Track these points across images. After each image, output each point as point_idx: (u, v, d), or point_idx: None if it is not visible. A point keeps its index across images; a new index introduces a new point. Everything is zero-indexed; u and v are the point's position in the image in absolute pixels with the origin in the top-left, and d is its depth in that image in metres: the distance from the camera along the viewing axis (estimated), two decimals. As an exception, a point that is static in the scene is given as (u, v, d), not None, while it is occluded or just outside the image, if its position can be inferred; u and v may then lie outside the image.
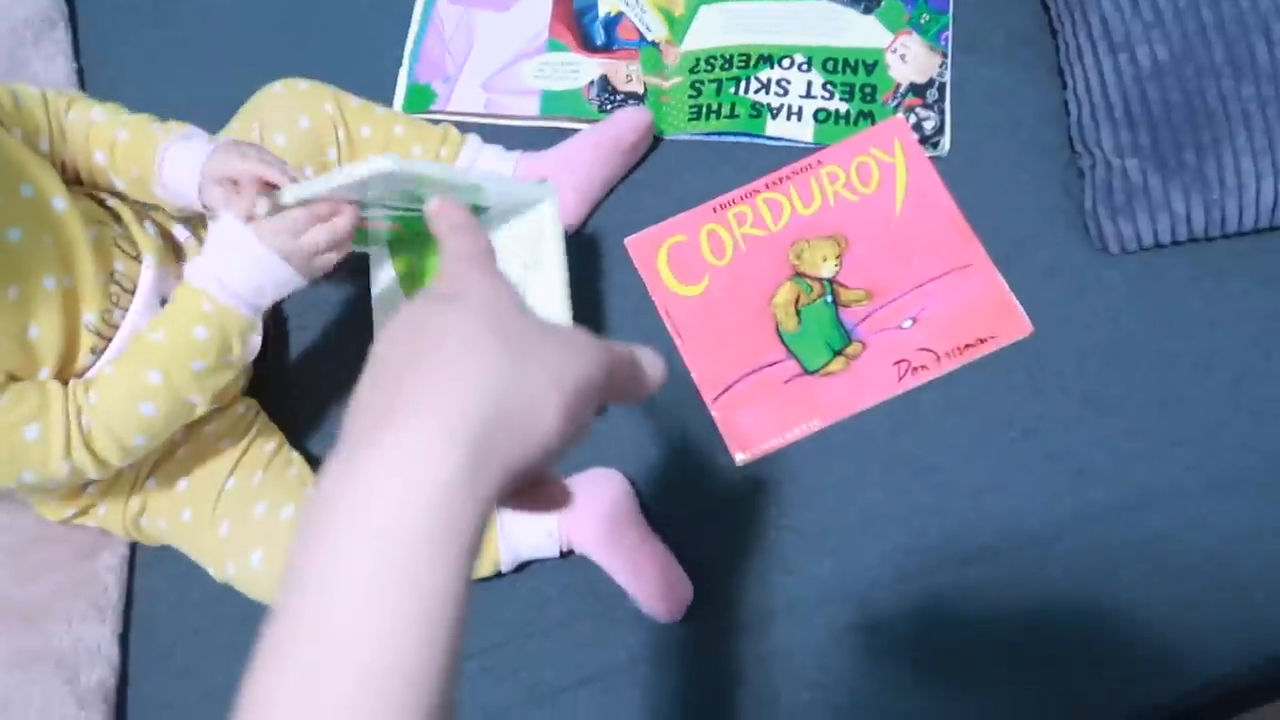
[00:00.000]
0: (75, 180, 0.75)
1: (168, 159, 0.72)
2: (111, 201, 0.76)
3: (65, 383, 0.66)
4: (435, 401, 0.30)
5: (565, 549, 0.77)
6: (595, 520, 0.76)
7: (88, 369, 0.69)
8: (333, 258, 0.69)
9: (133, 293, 0.71)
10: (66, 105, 0.74)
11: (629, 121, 0.88)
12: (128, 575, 0.86)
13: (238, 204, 0.68)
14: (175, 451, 0.77)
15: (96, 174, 0.75)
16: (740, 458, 0.81)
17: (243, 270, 0.67)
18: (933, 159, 0.89)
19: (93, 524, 0.80)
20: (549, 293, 0.76)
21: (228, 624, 0.81)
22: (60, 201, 0.67)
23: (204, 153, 0.71)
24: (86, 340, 0.68)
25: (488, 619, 0.79)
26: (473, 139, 0.87)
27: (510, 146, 0.89)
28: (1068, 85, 0.89)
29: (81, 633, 0.81)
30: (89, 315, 0.68)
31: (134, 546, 0.86)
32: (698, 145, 0.92)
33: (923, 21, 0.94)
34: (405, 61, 0.96)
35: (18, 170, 0.66)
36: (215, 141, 0.73)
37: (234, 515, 0.75)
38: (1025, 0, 0.94)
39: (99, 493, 0.76)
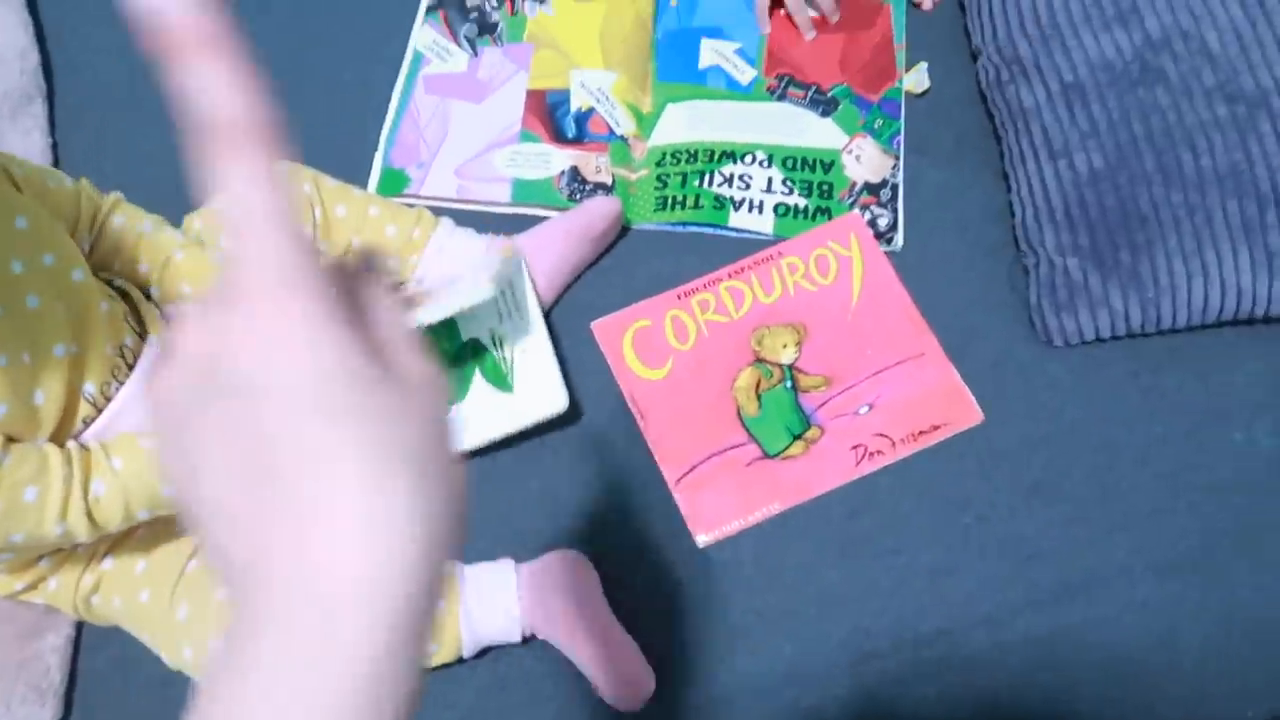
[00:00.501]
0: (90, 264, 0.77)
1: None
2: (119, 282, 0.77)
3: (60, 446, 0.66)
4: (331, 588, 0.22)
5: (527, 634, 0.77)
6: (558, 604, 0.76)
7: (76, 436, 0.68)
8: None
9: (132, 368, 0.72)
10: (111, 207, 0.77)
11: (599, 210, 0.91)
12: (72, 656, 0.83)
13: None
14: (136, 530, 0.76)
15: (133, 277, 0.77)
16: (702, 539, 0.82)
17: None
18: (887, 253, 0.93)
19: (40, 600, 0.78)
20: (530, 336, 0.86)
21: (174, 710, 0.78)
22: (79, 273, 0.69)
23: None
24: (82, 409, 0.68)
25: (447, 704, 0.78)
26: (445, 221, 0.90)
27: (481, 231, 0.91)
28: (1012, 188, 0.94)
29: (21, 716, 0.78)
30: (89, 385, 0.68)
31: (80, 627, 0.84)
32: (663, 235, 0.96)
33: (876, 126, 0.99)
34: (381, 146, 0.99)
35: (42, 240, 0.68)
36: None
37: (194, 599, 0.74)
38: (971, 108, 1.00)
39: (52, 566, 0.75)
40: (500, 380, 0.86)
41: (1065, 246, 0.88)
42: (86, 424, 0.69)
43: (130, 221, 0.78)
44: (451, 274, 0.87)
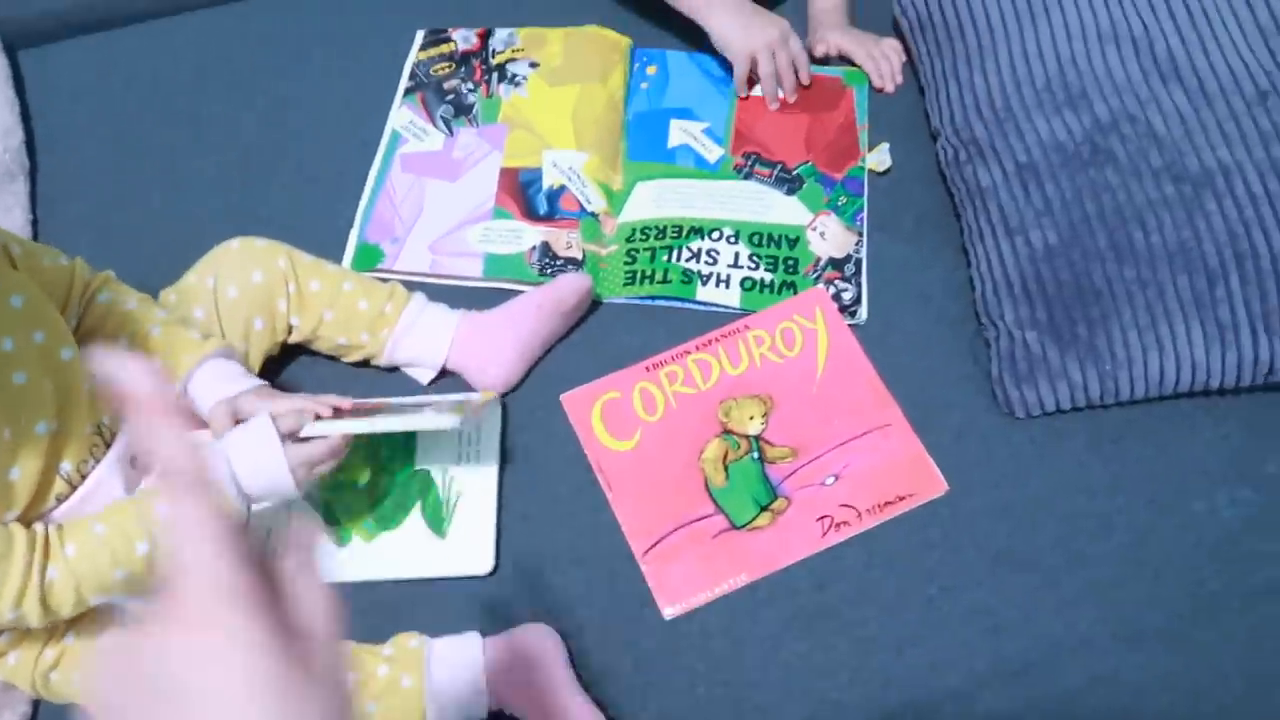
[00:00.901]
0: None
1: (195, 381, 0.78)
2: None
3: (28, 525, 0.66)
4: None
5: (494, 708, 0.76)
6: (525, 678, 0.75)
7: (49, 513, 0.69)
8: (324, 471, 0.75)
9: (107, 447, 0.72)
10: (100, 284, 0.79)
11: (570, 286, 0.93)
12: (28, 735, 0.82)
13: (285, 421, 0.73)
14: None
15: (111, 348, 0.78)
16: (669, 611, 0.82)
17: (262, 483, 0.72)
18: (851, 326, 0.95)
19: (-2, 677, 0.77)
20: (480, 488, 0.87)
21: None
22: (68, 351, 0.70)
23: (234, 384, 0.78)
24: (57, 486, 0.68)
25: (409, 780, 0.77)
26: (418, 297, 0.91)
27: (454, 305, 0.93)
28: (971, 263, 0.97)
29: (-28, 797, 0.76)
30: (66, 463, 0.69)
31: (36, 705, 0.82)
32: (632, 308, 0.97)
33: (840, 203, 1.02)
34: (357, 222, 1.01)
35: (34, 317, 0.69)
36: (248, 375, 0.80)
37: None
38: (931, 186, 1.04)
39: (11, 642, 0.74)
40: (437, 524, 0.85)
41: (1024, 320, 0.90)
42: (60, 501, 0.69)
43: (116, 298, 0.79)
44: (425, 397, 0.88)
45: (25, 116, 1.14)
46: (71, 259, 0.79)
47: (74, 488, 0.70)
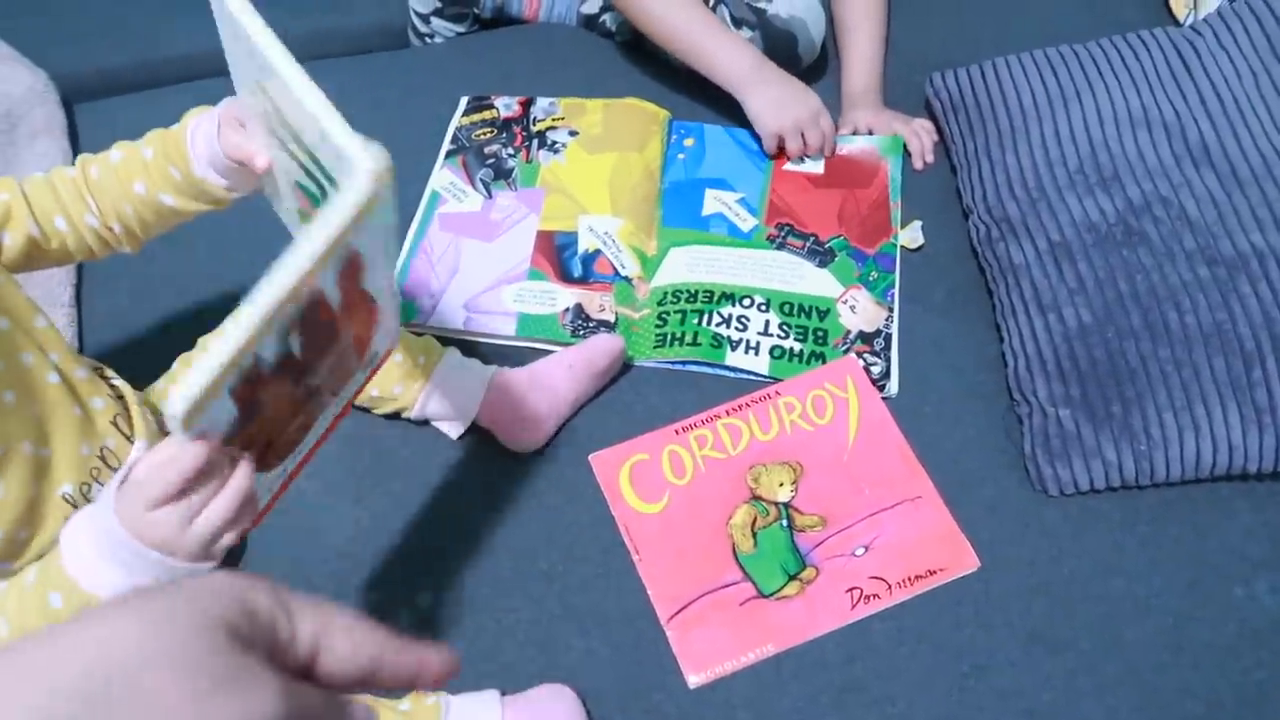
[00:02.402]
0: (103, 247, 0.75)
1: (196, 139, 0.72)
2: (118, 381, 0.78)
3: (29, 549, 0.65)
4: None
5: (511, 770, 0.74)
6: (544, 739, 0.73)
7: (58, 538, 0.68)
8: (232, 539, 0.53)
9: (115, 470, 0.72)
10: (82, 169, 0.75)
11: (602, 347, 0.93)
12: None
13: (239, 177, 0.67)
14: None
15: (143, 210, 0.74)
16: (693, 680, 0.80)
17: (118, 573, 0.53)
18: (883, 398, 0.95)
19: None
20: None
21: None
22: (54, 375, 0.70)
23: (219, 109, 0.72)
24: (63, 509, 0.68)
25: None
26: (452, 351, 0.92)
27: (487, 362, 0.93)
28: (1004, 339, 0.97)
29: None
30: (66, 487, 0.68)
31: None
32: (663, 371, 0.98)
33: (871, 278, 1.03)
34: (395, 275, 1.02)
35: (19, 339, 0.69)
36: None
37: None
38: (964, 262, 1.04)
39: None
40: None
41: (1057, 397, 0.90)
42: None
43: (104, 166, 0.75)
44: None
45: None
46: (48, 177, 0.74)
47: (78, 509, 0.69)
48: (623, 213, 1.06)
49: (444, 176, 1.10)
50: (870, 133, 1.15)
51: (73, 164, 1.13)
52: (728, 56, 1.07)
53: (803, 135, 1.08)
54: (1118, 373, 0.88)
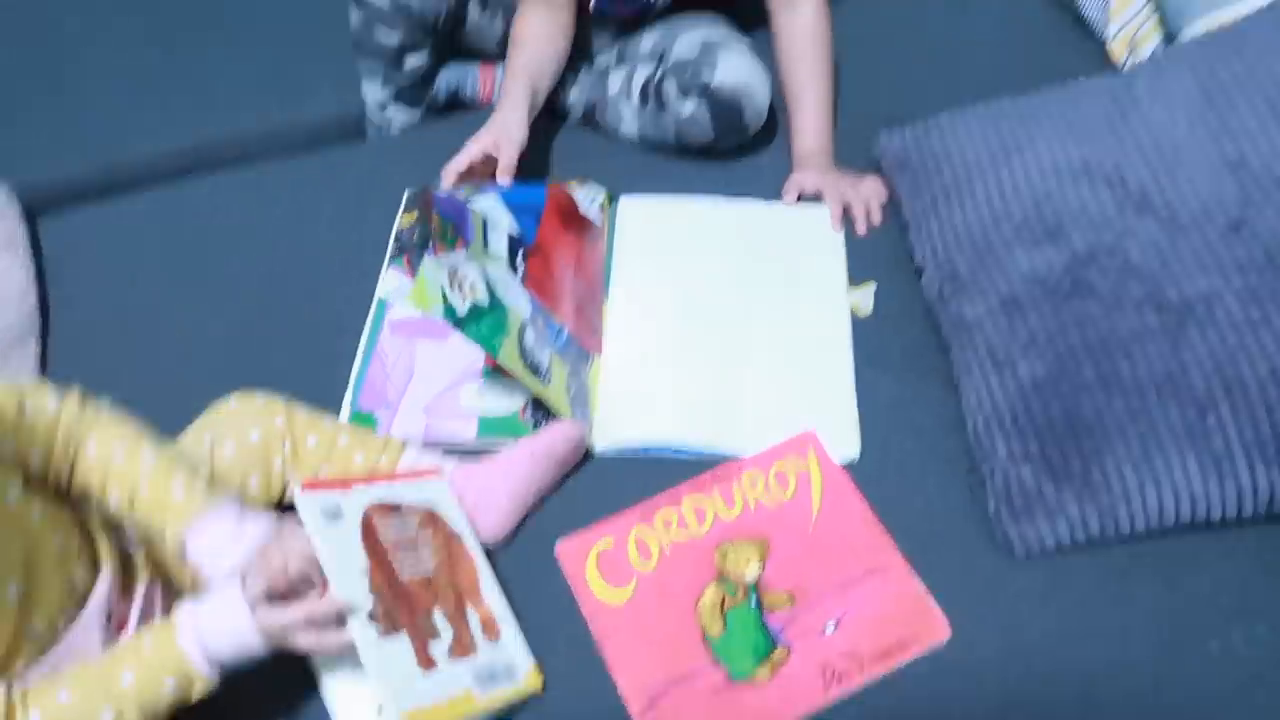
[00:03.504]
0: (53, 483, 0.77)
1: (192, 542, 0.77)
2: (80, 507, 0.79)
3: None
4: None
5: None
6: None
7: (22, 673, 0.68)
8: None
9: (80, 604, 0.72)
10: (86, 432, 0.77)
11: (562, 434, 0.93)
12: None
13: (254, 583, 0.71)
14: None
15: (102, 505, 0.78)
16: (667, 774, 0.79)
17: (231, 650, 0.70)
18: (845, 465, 0.95)
19: None
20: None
21: None
22: (37, 513, 0.71)
23: (234, 545, 0.76)
24: (28, 648, 0.68)
25: None
26: (412, 448, 0.92)
27: (448, 454, 0.93)
28: (962, 398, 0.97)
29: None
30: (37, 623, 0.68)
31: None
32: (625, 457, 0.97)
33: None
34: (349, 390, 1.01)
35: (3, 478, 0.70)
36: (243, 519, 0.78)
37: None
38: (918, 321, 1.05)
39: None
40: None
41: (1018, 455, 0.89)
42: (30, 662, 0.69)
43: (101, 450, 0.78)
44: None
45: (41, 279, 1.18)
46: (58, 410, 0.77)
47: (44, 649, 0.69)
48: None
49: (390, 280, 1.08)
50: (817, 194, 1.15)
51: (33, 275, 1.15)
52: None
53: None
54: (1075, 427, 0.88)
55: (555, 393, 0.95)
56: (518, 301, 0.98)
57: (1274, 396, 0.83)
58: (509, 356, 0.92)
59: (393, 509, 0.82)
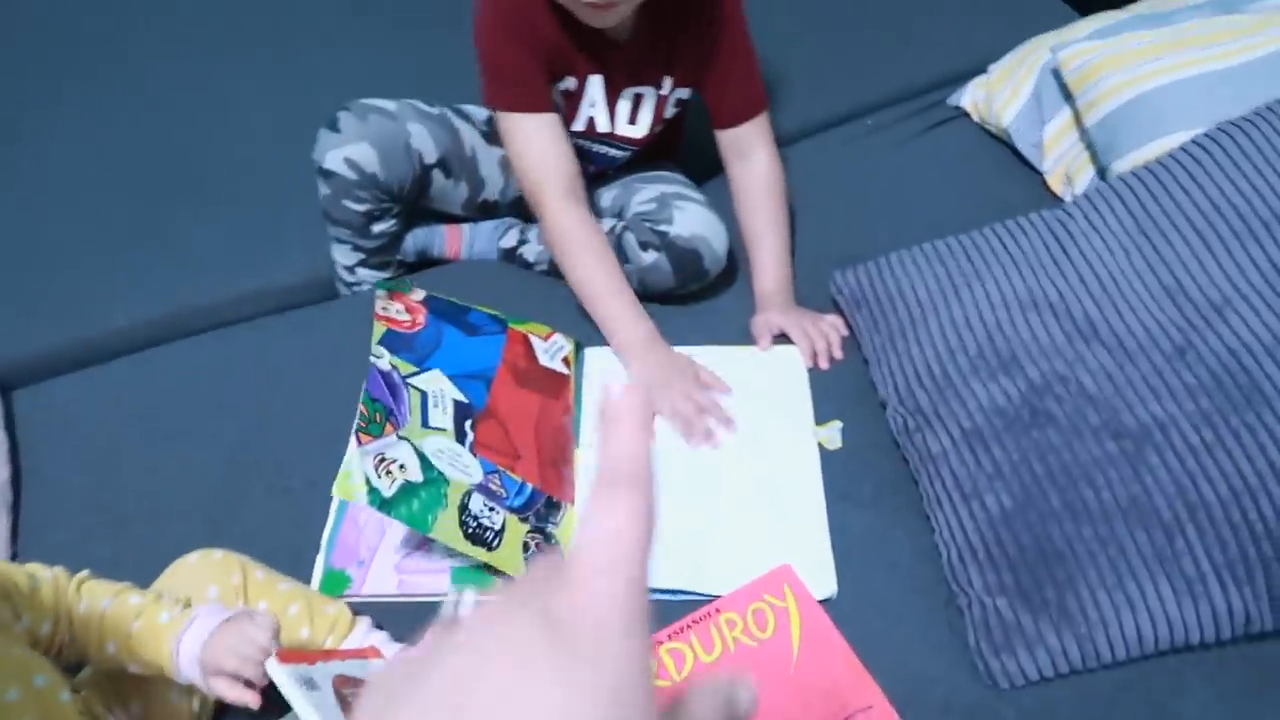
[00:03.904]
0: (58, 652, 0.80)
1: (181, 657, 0.78)
2: (85, 691, 0.81)
3: None
4: None
5: None
6: None
7: None
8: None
9: None
10: (76, 590, 0.81)
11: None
12: None
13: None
14: None
15: (105, 660, 0.79)
16: None
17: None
18: (822, 601, 0.94)
19: None
20: None
21: None
22: (66, 694, 0.72)
23: (201, 642, 0.78)
24: None
25: None
26: (362, 624, 0.92)
27: (425, 620, 0.92)
28: (935, 529, 0.97)
29: None
30: None
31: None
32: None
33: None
34: (322, 549, 1.01)
35: (33, 662, 0.72)
36: (211, 617, 0.80)
37: None
38: (888, 453, 1.06)
39: None
40: None
41: (993, 586, 0.89)
42: None
43: (92, 603, 0.81)
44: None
45: (14, 452, 1.18)
46: (54, 575, 0.81)
47: None
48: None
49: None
50: (782, 332, 1.18)
51: (6, 450, 1.16)
52: (625, 327, 1.13)
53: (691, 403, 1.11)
54: (1046, 556, 0.88)
55: (503, 556, 0.95)
56: (464, 470, 0.99)
57: (1237, 517, 0.84)
58: (443, 530, 0.93)
59: (354, 681, 0.81)
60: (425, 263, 1.36)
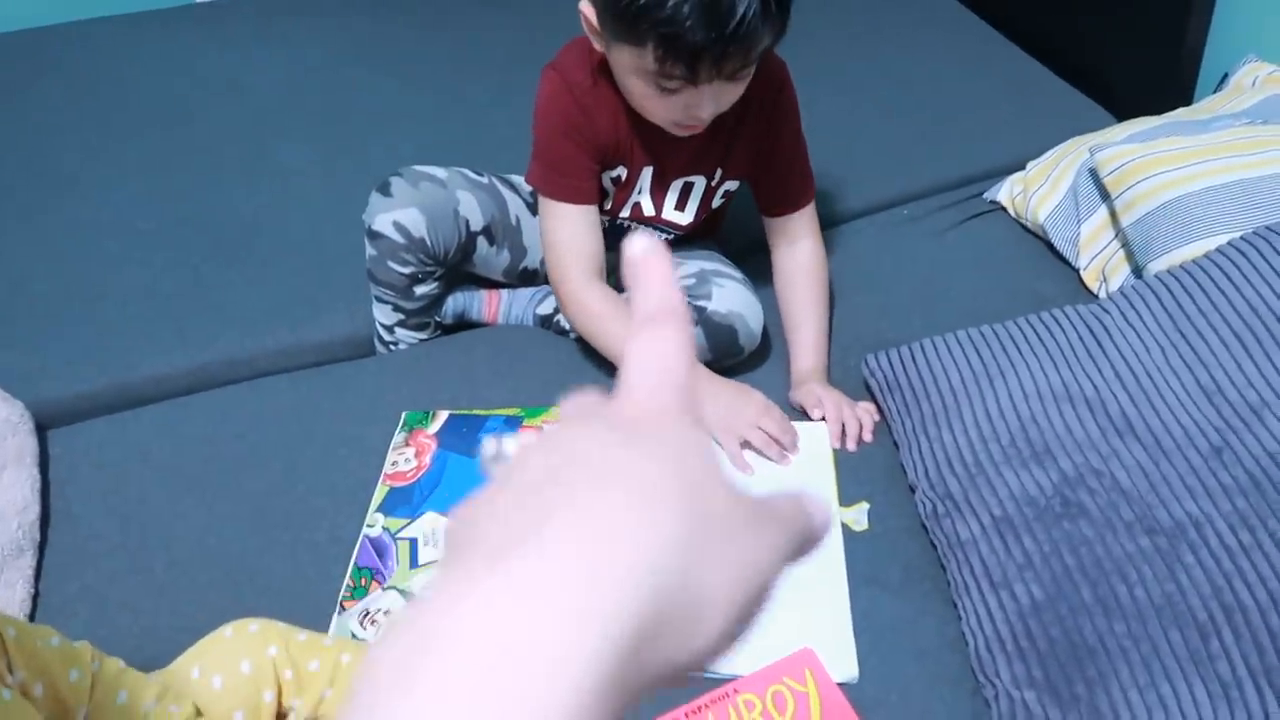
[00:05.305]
0: None
1: None
2: None
3: None
4: (589, 572, 0.22)
5: None
6: None
7: None
8: None
9: None
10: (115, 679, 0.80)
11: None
12: None
13: None
14: None
15: None
16: None
17: None
18: (843, 685, 0.92)
19: None
20: None
21: None
22: None
23: None
24: None
25: None
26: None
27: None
28: (961, 618, 0.95)
29: None
30: None
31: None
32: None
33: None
34: (336, 610, 1.01)
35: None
36: None
37: None
38: (916, 538, 1.05)
39: None
40: None
41: (1020, 679, 0.87)
42: None
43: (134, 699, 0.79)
44: None
45: (45, 493, 1.19)
46: (71, 643, 0.79)
47: None
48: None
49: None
50: (820, 404, 1.18)
51: (38, 489, 1.17)
52: None
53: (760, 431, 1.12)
54: (1076, 651, 0.86)
55: None
56: None
57: (1275, 623, 0.82)
58: None
59: None
60: (463, 325, 1.38)
